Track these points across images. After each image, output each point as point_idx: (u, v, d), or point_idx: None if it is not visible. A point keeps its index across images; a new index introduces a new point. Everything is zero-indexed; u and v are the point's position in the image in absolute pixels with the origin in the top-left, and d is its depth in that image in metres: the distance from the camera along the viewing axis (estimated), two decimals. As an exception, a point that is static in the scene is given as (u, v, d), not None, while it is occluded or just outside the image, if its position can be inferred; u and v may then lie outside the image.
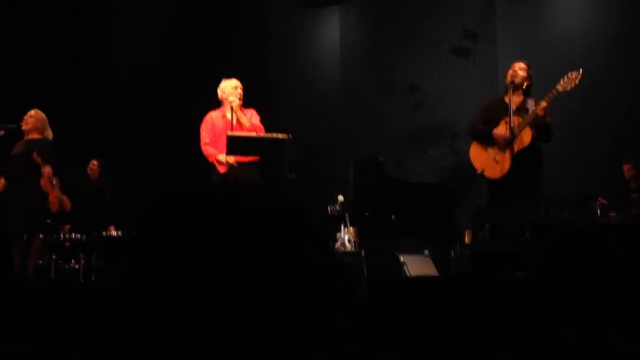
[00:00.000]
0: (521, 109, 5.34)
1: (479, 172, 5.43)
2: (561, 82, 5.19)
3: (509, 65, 5.54)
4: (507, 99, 5.37)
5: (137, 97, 8.80)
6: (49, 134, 6.31)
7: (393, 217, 7.39)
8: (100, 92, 8.85)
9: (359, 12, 9.24)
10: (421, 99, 8.39)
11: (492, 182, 5.41)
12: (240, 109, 5.90)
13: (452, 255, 6.42)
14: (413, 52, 8.49)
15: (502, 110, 5.39)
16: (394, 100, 8.58)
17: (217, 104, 6.01)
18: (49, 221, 6.34)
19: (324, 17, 9.40)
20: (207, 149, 5.86)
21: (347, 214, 6.96)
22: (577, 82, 5.14)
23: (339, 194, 7.08)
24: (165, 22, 8.95)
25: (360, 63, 9.03)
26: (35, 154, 6.01)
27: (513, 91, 5.31)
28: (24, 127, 6.23)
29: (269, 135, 5.66)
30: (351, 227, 6.95)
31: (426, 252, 6.55)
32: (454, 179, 7.66)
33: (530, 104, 5.33)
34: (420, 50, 8.46)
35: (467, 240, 6.83)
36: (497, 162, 5.32)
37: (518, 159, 5.21)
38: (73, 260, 6.77)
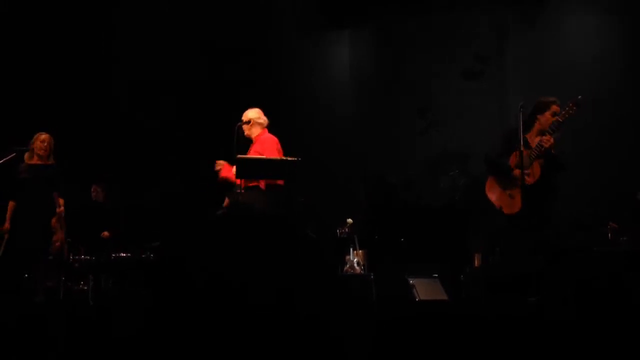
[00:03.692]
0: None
1: (497, 207, 5.37)
2: (562, 112, 5.19)
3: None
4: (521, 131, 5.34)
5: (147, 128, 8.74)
6: (52, 159, 6.38)
7: (402, 240, 7.37)
8: (107, 117, 8.77)
9: (369, 36, 9.26)
10: (431, 122, 8.37)
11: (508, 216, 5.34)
12: (261, 134, 5.97)
13: (462, 278, 6.36)
14: (424, 75, 8.49)
15: (517, 143, 5.36)
16: (405, 123, 8.57)
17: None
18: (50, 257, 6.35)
19: (335, 41, 9.43)
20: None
21: (356, 237, 6.93)
22: (575, 109, 5.11)
23: (349, 217, 7.07)
24: (176, 51, 8.89)
25: (371, 86, 9.02)
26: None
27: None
28: (42, 153, 6.27)
29: (277, 158, 5.67)
30: (360, 250, 6.92)
31: (435, 275, 6.50)
32: (464, 202, 7.62)
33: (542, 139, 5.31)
34: (431, 73, 8.45)
35: (476, 263, 6.77)
36: (512, 198, 5.27)
37: (532, 192, 5.16)
38: (82, 282, 6.75)
